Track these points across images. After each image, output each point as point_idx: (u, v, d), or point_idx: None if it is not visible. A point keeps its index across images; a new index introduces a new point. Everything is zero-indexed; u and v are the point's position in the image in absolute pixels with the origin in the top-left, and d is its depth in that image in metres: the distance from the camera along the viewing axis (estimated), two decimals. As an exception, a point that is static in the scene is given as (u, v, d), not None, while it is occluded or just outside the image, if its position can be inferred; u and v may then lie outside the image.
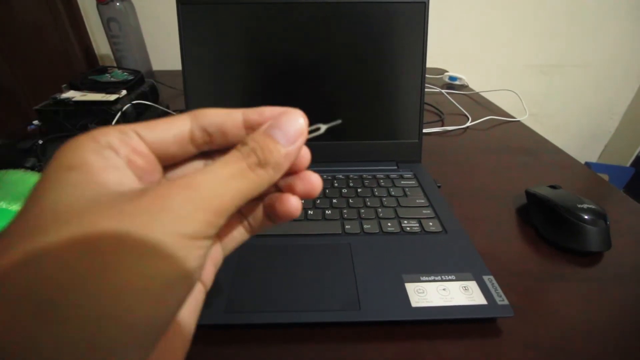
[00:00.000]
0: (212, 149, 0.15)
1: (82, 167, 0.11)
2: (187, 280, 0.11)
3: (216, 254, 0.16)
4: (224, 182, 0.12)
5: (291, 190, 0.15)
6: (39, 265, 0.09)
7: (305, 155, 0.15)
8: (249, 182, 0.12)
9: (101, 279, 0.09)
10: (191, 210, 0.11)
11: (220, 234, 0.16)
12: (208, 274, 0.16)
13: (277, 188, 0.16)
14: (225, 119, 0.14)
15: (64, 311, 0.09)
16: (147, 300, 0.10)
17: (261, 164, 0.12)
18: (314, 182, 0.15)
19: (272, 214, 0.16)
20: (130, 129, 0.12)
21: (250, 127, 0.14)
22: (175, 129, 0.13)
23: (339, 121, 0.16)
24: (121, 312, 0.09)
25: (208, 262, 0.15)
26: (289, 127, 0.13)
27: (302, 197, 0.15)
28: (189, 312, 0.14)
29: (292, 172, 0.15)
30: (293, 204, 0.15)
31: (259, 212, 0.16)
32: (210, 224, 0.11)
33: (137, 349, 0.10)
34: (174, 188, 0.11)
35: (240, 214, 0.16)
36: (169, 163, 0.14)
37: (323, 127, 0.15)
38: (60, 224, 0.10)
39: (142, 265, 0.09)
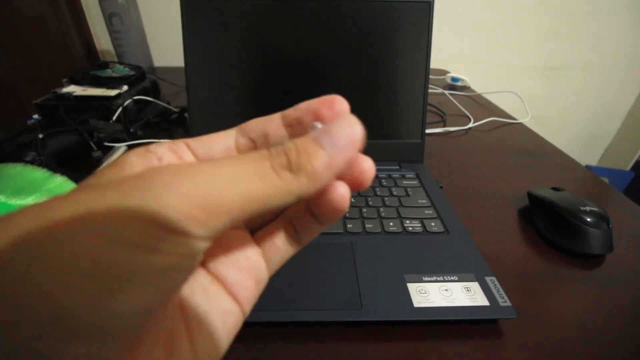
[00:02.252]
0: None
1: (118, 164, 0.11)
2: (147, 283, 0.08)
3: (259, 270, 0.13)
4: (230, 178, 0.09)
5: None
6: None
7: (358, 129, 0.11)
8: (266, 186, 0.10)
9: (35, 255, 0.08)
10: (173, 196, 0.08)
11: (261, 245, 0.14)
12: (248, 294, 0.13)
13: None
14: (265, 122, 0.14)
15: None
16: (84, 296, 0.08)
17: (292, 168, 0.10)
18: (364, 167, 0.11)
19: (316, 211, 0.13)
20: (181, 140, 0.13)
21: (289, 125, 0.13)
22: (223, 141, 0.13)
23: None
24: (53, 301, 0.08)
25: (250, 279, 0.13)
26: (340, 133, 0.10)
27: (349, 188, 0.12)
28: (216, 342, 0.11)
29: None
30: (340, 191, 0.11)
31: (302, 212, 0.13)
32: (194, 221, 0.09)
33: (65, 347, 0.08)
34: (166, 168, 0.09)
35: (287, 221, 0.14)
36: None
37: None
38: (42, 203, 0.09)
39: (91, 246, 0.08)
